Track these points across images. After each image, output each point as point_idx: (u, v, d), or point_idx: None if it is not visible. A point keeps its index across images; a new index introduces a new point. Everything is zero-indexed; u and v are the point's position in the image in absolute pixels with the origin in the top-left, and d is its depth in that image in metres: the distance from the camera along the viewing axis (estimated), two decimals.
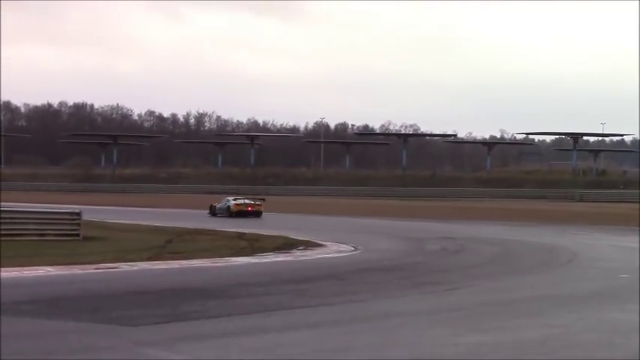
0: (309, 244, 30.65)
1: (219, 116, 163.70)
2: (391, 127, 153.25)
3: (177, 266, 23.01)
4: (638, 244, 32.01)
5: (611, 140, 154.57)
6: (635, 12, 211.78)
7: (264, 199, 54.40)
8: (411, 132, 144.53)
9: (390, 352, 11.84)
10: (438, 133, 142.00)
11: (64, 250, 25.99)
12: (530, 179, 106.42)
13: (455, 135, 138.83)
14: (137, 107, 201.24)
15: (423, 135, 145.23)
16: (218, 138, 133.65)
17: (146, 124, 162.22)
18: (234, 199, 52.77)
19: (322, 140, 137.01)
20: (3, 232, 28.77)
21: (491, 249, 30.29)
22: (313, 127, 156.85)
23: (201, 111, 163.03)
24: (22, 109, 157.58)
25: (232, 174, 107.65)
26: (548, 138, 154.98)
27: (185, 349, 11.72)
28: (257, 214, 50.94)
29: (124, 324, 13.42)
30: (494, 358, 11.62)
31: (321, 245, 30.67)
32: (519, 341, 12.69)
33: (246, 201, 52.94)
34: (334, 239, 32.92)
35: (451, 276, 21.60)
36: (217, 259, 24.95)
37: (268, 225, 41.75)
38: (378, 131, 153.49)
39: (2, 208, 31.83)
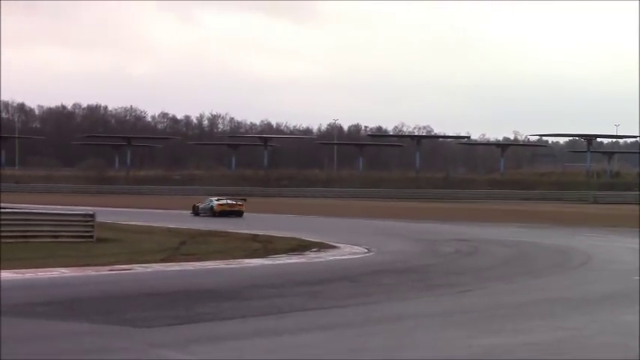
0: (322, 246, 30.66)
1: (232, 118, 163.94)
2: (404, 129, 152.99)
3: (191, 268, 23.06)
4: None
5: (625, 142, 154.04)
6: None
7: (245, 200, 56.48)
8: (424, 134, 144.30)
9: (403, 354, 11.85)
10: (451, 134, 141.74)
11: (78, 252, 26.06)
12: (543, 181, 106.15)
13: (468, 137, 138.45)
14: (151, 109, 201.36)
15: (437, 137, 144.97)
16: (231, 140, 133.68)
17: (160, 126, 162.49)
18: (217, 199, 54.97)
19: (335, 142, 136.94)
20: (17, 234, 28.90)
21: (505, 251, 30.24)
22: (326, 128, 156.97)
23: (214, 113, 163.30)
24: (37, 111, 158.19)
25: (246, 176, 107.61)
26: (562, 140, 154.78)
27: (199, 351, 11.75)
28: (239, 213, 53.05)
29: (137, 325, 13.46)
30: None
31: (334, 247, 30.67)
32: (533, 343, 12.68)
33: (229, 201, 55.06)
34: (347, 241, 32.91)
35: (465, 278, 21.58)
36: (230, 261, 24.97)
37: (281, 227, 41.77)
38: (391, 133, 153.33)
39: (17, 210, 31.95)
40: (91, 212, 31.95)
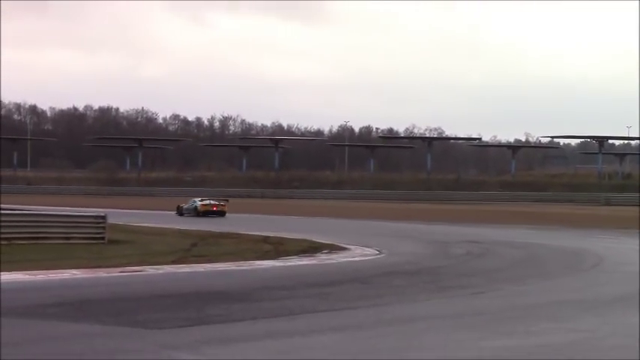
0: (333, 248, 30.64)
1: (243, 120, 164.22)
2: (415, 131, 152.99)
3: (202, 269, 23.07)
4: None
5: (637, 144, 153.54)
6: None
7: (227, 200, 58.30)
8: (435, 135, 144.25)
9: (414, 356, 11.84)
10: (462, 136, 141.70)
11: (89, 254, 26.10)
12: (555, 183, 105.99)
13: (479, 138, 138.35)
14: (162, 111, 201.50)
15: (448, 138, 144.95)
16: (242, 141, 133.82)
17: (171, 128, 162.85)
18: (201, 200, 56.87)
19: (346, 144, 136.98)
20: (29, 236, 28.98)
21: (516, 253, 30.19)
22: (337, 130, 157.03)
23: (225, 114, 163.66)
24: (48, 113, 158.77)
25: (257, 177, 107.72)
26: (574, 141, 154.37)
27: (209, 353, 11.76)
28: (221, 213, 54.89)
29: (148, 327, 13.46)
30: None
31: (345, 249, 30.65)
32: (544, 345, 12.65)
33: (212, 201, 56.93)
34: (359, 243, 32.90)
35: (476, 280, 21.55)
36: (242, 263, 24.98)
37: (292, 228, 41.78)
38: (402, 134, 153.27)
39: (29, 212, 32.04)
40: (102, 214, 32.02)
